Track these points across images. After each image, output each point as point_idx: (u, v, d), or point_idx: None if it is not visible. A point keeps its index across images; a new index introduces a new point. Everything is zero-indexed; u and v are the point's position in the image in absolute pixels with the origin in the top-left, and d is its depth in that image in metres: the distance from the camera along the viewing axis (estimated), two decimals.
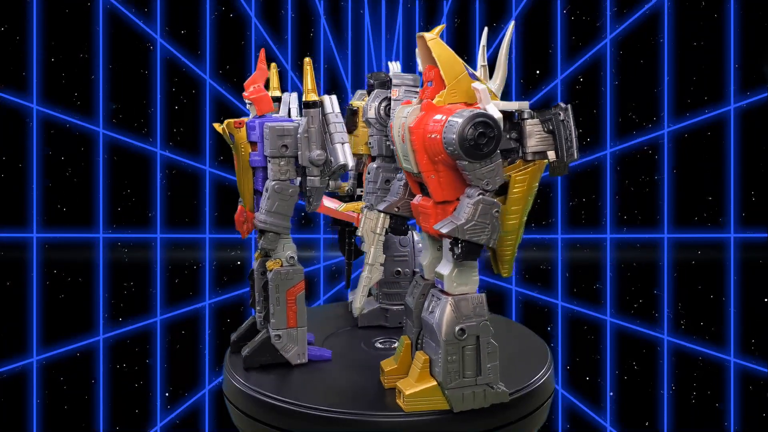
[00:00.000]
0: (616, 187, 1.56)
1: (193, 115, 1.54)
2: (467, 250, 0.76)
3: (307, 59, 0.93)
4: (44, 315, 1.48)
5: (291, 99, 1.00)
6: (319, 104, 0.91)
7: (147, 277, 1.53)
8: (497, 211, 0.76)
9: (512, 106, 0.79)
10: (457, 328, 0.79)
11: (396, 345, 1.01)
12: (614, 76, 1.54)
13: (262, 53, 0.98)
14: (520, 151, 0.80)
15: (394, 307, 1.09)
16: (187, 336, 1.53)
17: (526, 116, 0.80)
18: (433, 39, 0.79)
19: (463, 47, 1.57)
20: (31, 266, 1.49)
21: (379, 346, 1.02)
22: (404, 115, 0.80)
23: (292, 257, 0.95)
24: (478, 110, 0.75)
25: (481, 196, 0.76)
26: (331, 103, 0.92)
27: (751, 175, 1.51)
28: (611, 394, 1.50)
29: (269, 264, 0.96)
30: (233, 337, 1.02)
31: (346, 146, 0.90)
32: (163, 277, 1.53)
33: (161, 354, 1.50)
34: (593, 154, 1.55)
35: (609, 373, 1.51)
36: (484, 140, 0.74)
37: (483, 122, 0.74)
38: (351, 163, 0.90)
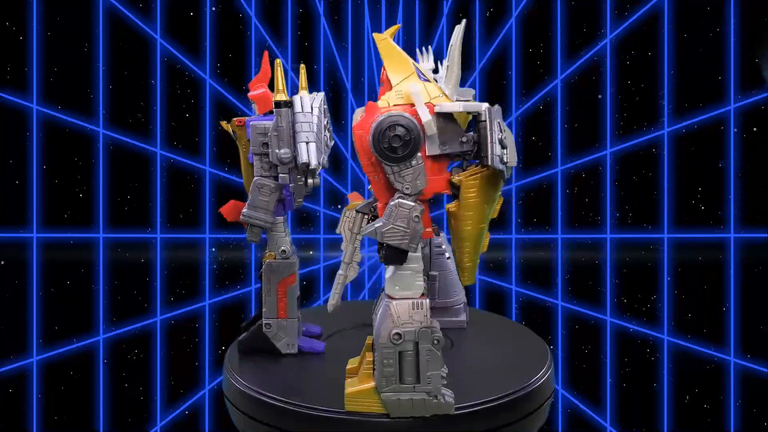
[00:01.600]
0: (616, 187, 1.56)
1: (193, 115, 1.54)
2: (388, 254, 0.76)
3: (277, 60, 0.94)
4: (44, 315, 1.48)
5: (315, 99, 1.00)
6: (288, 104, 0.92)
7: (147, 277, 1.53)
8: (417, 216, 0.75)
9: (455, 107, 0.76)
10: (393, 332, 0.77)
11: None
12: (614, 76, 1.54)
13: (266, 55, 0.99)
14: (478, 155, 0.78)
15: None
16: (187, 336, 1.53)
17: (483, 119, 0.77)
18: (382, 39, 0.78)
19: (463, 47, 1.57)
20: (31, 266, 1.49)
21: None
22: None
23: (284, 251, 1.00)
24: (394, 112, 0.74)
25: (399, 200, 0.75)
26: (301, 103, 0.93)
27: (751, 175, 1.51)
28: (619, 399, 1.50)
29: (264, 256, 1.01)
30: (242, 326, 1.06)
31: (311, 145, 0.91)
32: (163, 277, 1.53)
33: (161, 354, 1.50)
34: (593, 154, 1.55)
35: (609, 373, 1.51)
36: (399, 143, 0.73)
37: (397, 125, 0.73)
38: (314, 161, 0.91)
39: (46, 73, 1.49)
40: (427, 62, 1.05)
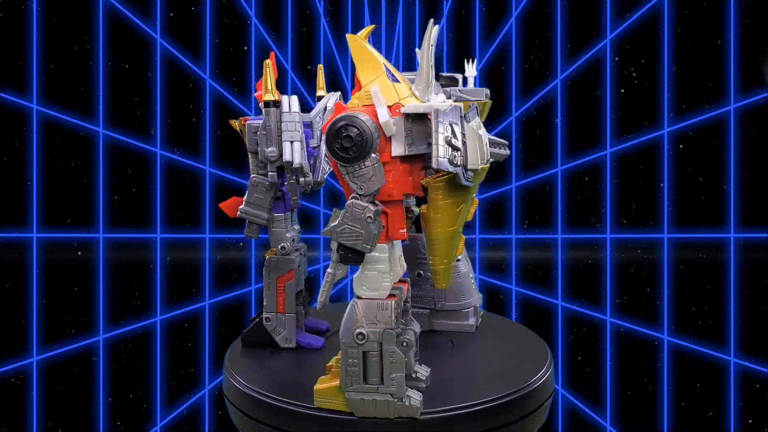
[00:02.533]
0: (616, 187, 1.56)
1: (193, 115, 1.54)
2: (345, 254, 0.76)
3: (266, 61, 0.95)
4: (44, 315, 1.48)
5: (330, 99, 1.01)
6: (276, 104, 0.94)
7: (147, 277, 1.53)
8: (370, 217, 0.74)
9: (418, 108, 0.75)
10: (357, 332, 0.77)
11: None
12: (614, 76, 1.54)
13: (272, 56, 1.01)
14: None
15: (415, 310, 1.06)
16: (187, 336, 1.53)
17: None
18: (354, 40, 0.77)
19: (463, 47, 1.57)
20: (31, 266, 1.49)
21: None
22: None
23: (283, 247, 1.02)
24: (349, 113, 0.74)
25: (353, 200, 0.75)
26: (289, 103, 0.95)
27: (751, 175, 1.51)
28: (619, 399, 1.50)
29: (267, 252, 1.03)
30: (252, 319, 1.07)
31: (295, 144, 0.94)
32: (163, 277, 1.53)
33: (161, 354, 1.50)
34: (593, 154, 1.55)
35: (609, 373, 1.51)
36: (350, 144, 0.73)
37: (349, 126, 0.73)
38: (297, 160, 0.94)
39: (46, 73, 1.49)
40: (470, 70, 1.07)
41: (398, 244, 0.83)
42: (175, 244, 1.54)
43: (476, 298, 1.10)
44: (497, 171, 1.50)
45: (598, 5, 1.54)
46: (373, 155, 0.74)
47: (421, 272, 1.07)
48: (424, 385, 0.83)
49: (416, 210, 1.08)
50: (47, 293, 1.49)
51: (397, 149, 0.76)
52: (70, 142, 1.50)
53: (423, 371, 0.84)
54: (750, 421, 1.46)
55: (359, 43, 0.77)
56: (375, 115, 0.75)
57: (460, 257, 1.09)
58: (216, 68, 1.54)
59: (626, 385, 1.50)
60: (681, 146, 1.53)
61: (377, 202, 0.76)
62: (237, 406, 0.89)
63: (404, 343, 0.79)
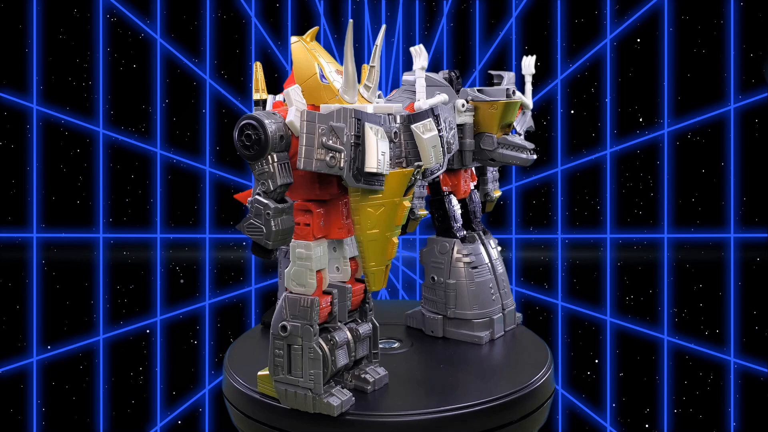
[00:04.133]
0: (616, 187, 1.56)
1: (193, 115, 1.54)
2: (254, 248, 0.77)
3: (256, 63, 0.95)
4: (44, 315, 1.48)
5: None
6: (265, 103, 0.93)
7: (147, 277, 1.53)
8: (269, 213, 0.75)
9: (290, 113, 0.76)
10: (280, 324, 0.79)
11: (396, 345, 1.02)
12: (614, 76, 1.54)
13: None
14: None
15: (429, 314, 1.06)
16: (187, 336, 1.53)
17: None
18: (295, 42, 0.79)
19: (463, 47, 1.57)
20: (31, 266, 1.49)
21: (380, 346, 1.02)
22: None
23: None
24: (252, 113, 0.75)
25: (255, 196, 0.76)
26: (272, 102, 0.93)
27: (751, 175, 1.51)
28: (622, 399, 1.50)
29: None
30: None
31: None
32: (163, 277, 1.53)
33: (161, 354, 1.50)
34: (593, 154, 1.55)
35: (609, 373, 1.51)
36: (249, 142, 0.74)
37: (247, 124, 0.74)
38: None
39: (46, 73, 1.49)
40: (527, 68, 1.08)
41: (350, 244, 0.83)
42: (175, 244, 1.54)
43: (495, 310, 1.04)
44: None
45: (598, 5, 1.54)
46: (276, 154, 0.74)
47: (435, 276, 1.05)
48: (370, 388, 0.84)
49: (420, 213, 1.08)
50: (47, 293, 1.49)
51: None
52: (70, 142, 1.50)
53: (373, 374, 0.85)
54: (750, 422, 1.46)
55: (298, 45, 0.79)
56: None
57: (480, 265, 1.04)
58: (216, 68, 1.54)
59: (626, 385, 1.50)
60: (681, 146, 1.53)
61: (287, 199, 0.77)
62: (237, 406, 0.89)
63: (331, 341, 0.80)
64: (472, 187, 1.08)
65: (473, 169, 1.08)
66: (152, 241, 1.53)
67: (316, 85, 0.77)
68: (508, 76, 1.06)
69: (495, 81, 1.05)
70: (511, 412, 0.85)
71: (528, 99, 1.10)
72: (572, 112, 1.57)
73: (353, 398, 0.81)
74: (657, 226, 1.54)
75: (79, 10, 1.49)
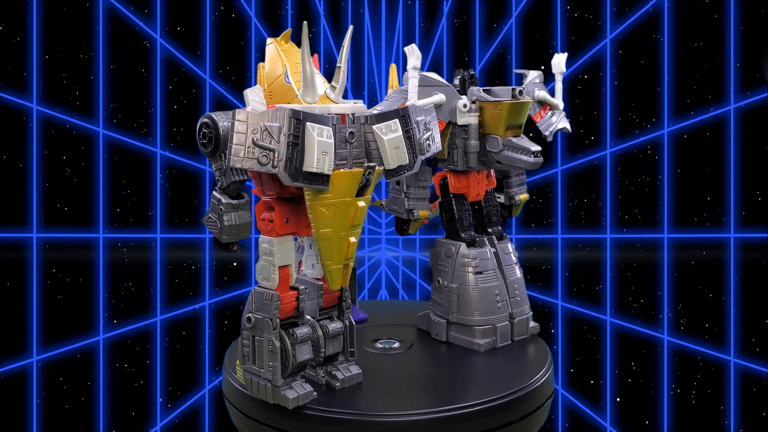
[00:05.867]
0: (616, 187, 1.56)
1: (193, 115, 1.54)
2: (213, 241, 0.82)
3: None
4: (44, 315, 1.48)
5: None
6: None
7: (147, 277, 1.53)
8: (221, 209, 0.80)
9: (228, 113, 0.78)
10: (245, 316, 0.81)
11: (396, 345, 1.02)
12: (614, 76, 1.54)
13: (315, 58, 1.01)
14: None
15: (435, 318, 1.04)
16: (187, 336, 1.53)
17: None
18: (269, 44, 0.81)
19: (464, 47, 1.57)
20: (31, 266, 1.49)
21: (380, 346, 1.02)
22: None
23: None
24: (210, 112, 0.78)
25: (213, 191, 0.80)
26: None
27: (751, 175, 1.51)
28: (617, 399, 1.50)
29: None
30: None
31: None
32: (163, 277, 1.53)
33: (161, 354, 1.50)
34: (593, 154, 1.55)
35: (609, 373, 1.51)
36: (205, 140, 0.78)
37: (204, 123, 0.78)
38: None
39: (46, 73, 1.49)
40: (557, 66, 1.05)
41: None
42: (175, 244, 1.54)
43: (500, 318, 1.01)
44: None
45: (598, 5, 1.54)
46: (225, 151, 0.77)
47: (440, 279, 1.03)
48: (338, 385, 0.85)
49: (420, 215, 1.07)
50: (47, 293, 1.49)
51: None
52: (70, 142, 1.50)
53: (345, 371, 0.86)
54: (750, 422, 1.46)
55: (271, 47, 0.81)
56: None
57: (486, 270, 1.01)
58: (216, 68, 1.54)
59: (626, 385, 1.50)
60: (681, 146, 1.53)
61: (244, 195, 0.81)
62: (237, 406, 0.89)
63: (294, 335, 0.81)
64: (491, 190, 1.05)
65: (492, 171, 1.05)
66: (152, 241, 1.53)
67: (282, 85, 0.79)
68: (533, 75, 1.03)
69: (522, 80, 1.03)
70: (511, 412, 0.85)
71: (558, 99, 1.05)
72: (572, 112, 1.56)
73: (314, 393, 0.82)
74: (657, 226, 1.54)
75: (79, 10, 1.49)
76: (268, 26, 1.54)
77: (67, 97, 1.50)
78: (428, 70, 1.04)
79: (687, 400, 1.49)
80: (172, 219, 1.54)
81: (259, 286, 0.82)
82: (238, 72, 1.54)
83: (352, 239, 0.78)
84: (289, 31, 0.82)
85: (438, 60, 1.57)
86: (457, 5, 1.57)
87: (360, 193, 0.78)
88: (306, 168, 0.73)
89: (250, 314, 0.81)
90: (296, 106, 0.75)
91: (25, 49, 1.48)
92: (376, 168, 0.78)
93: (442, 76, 1.02)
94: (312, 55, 0.77)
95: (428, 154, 0.83)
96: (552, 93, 1.06)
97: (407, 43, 1.58)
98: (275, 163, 0.73)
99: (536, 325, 1.06)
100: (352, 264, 0.81)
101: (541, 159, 0.96)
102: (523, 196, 1.11)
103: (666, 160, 1.53)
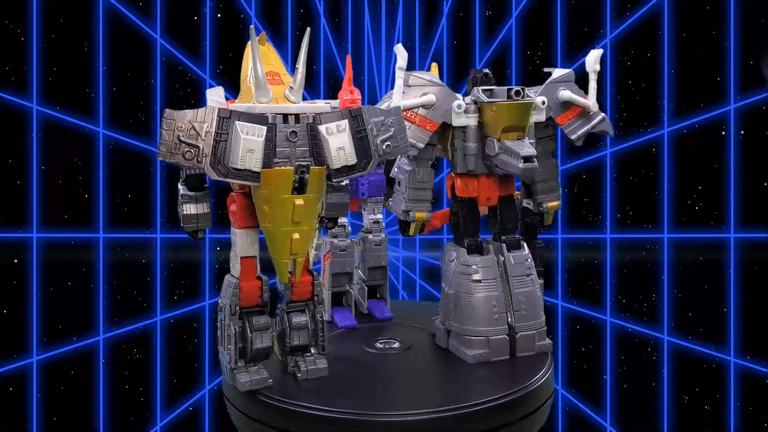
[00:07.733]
0: (616, 187, 1.56)
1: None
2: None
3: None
4: (44, 315, 1.48)
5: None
6: None
7: (147, 277, 1.53)
8: (179, 199, 0.89)
9: (240, 107, 0.81)
10: (219, 301, 0.87)
11: (396, 346, 1.02)
12: (614, 76, 1.54)
13: (348, 59, 1.05)
14: None
15: (437, 324, 1.02)
16: (187, 336, 1.53)
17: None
18: (247, 47, 0.84)
19: (464, 47, 1.57)
20: (31, 266, 1.49)
21: (380, 345, 1.02)
22: None
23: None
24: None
25: (179, 184, 0.88)
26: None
27: (751, 175, 1.51)
28: (619, 399, 1.50)
29: None
30: None
31: None
32: (163, 277, 1.53)
33: (161, 354, 1.50)
34: (593, 154, 1.55)
35: (609, 373, 1.51)
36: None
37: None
38: None
39: (46, 73, 1.49)
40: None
41: None
42: (175, 244, 1.54)
43: (495, 330, 0.94)
44: None
45: (598, 5, 1.54)
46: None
47: (443, 284, 1.00)
48: (300, 376, 0.87)
49: (418, 216, 1.06)
50: (47, 293, 1.49)
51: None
52: (70, 142, 1.50)
53: (309, 364, 0.88)
54: (750, 422, 1.46)
55: (247, 47, 0.85)
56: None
57: (486, 279, 0.95)
58: (216, 68, 1.54)
59: (626, 385, 1.51)
60: (681, 146, 1.53)
61: (205, 187, 0.88)
62: (237, 406, 0.89)
63: (253, 323, 0.85)
64: (508, 196, 0.99)
65: (513, 177, 0.98)
66: (152, 241, 1.53)
67: (245, 86, 0.84)
68: (558, 73, 0.98)
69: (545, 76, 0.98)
70: (511, 412, 0.85)
71: (591, 99, 0.98)
72: None
73: (270, 380, 0.85)
74: (657, 226, 1.54)
75: (79, 10, 1.49)
76: (268, 26, 1.54)
77: (67, 97, 1.50)
78: (428, 70, 1.03)
79: (687, 400, 1.49)
80: (172, 219, 1.54)
81: (229, 274, 0.86)
82: (237, 72, 1.54)
83: (296, 235, 0.80)
84: (263, 34, 0.87)
85: (438, 60, 1.57)
86: (457, 5, 1.57)
87: (300, 191, 0.79)
88: (231, 164, 0.78)
89: (220, 300, 0.86)
90: (240, 106, 0.80)
91: (25, 49, 1.48)
92: (315, 168, 0.80)
93: (442, 76, 1.00)
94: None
95: (391, 156, 0.85)
96: (585, 93, 0.99)
97: (408, 43, 1.58)
98: (200, 159, 0.78)
99: (548, 343, 0.97)
100: (301, 260, 0.83)
101: (532, 165, 0.88)
102: (552, 204, 1.03)
103: (666, 160, 1.53)
